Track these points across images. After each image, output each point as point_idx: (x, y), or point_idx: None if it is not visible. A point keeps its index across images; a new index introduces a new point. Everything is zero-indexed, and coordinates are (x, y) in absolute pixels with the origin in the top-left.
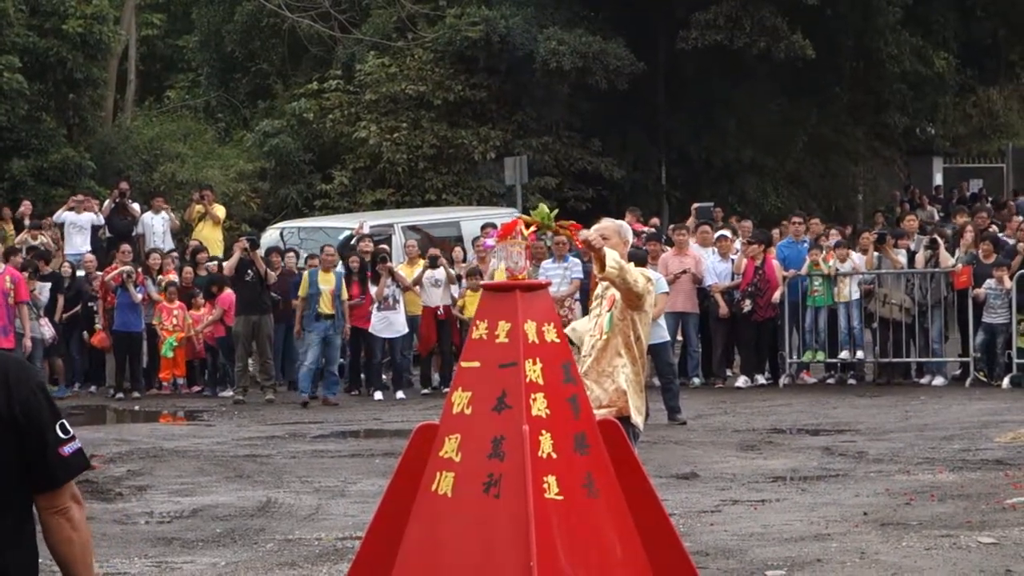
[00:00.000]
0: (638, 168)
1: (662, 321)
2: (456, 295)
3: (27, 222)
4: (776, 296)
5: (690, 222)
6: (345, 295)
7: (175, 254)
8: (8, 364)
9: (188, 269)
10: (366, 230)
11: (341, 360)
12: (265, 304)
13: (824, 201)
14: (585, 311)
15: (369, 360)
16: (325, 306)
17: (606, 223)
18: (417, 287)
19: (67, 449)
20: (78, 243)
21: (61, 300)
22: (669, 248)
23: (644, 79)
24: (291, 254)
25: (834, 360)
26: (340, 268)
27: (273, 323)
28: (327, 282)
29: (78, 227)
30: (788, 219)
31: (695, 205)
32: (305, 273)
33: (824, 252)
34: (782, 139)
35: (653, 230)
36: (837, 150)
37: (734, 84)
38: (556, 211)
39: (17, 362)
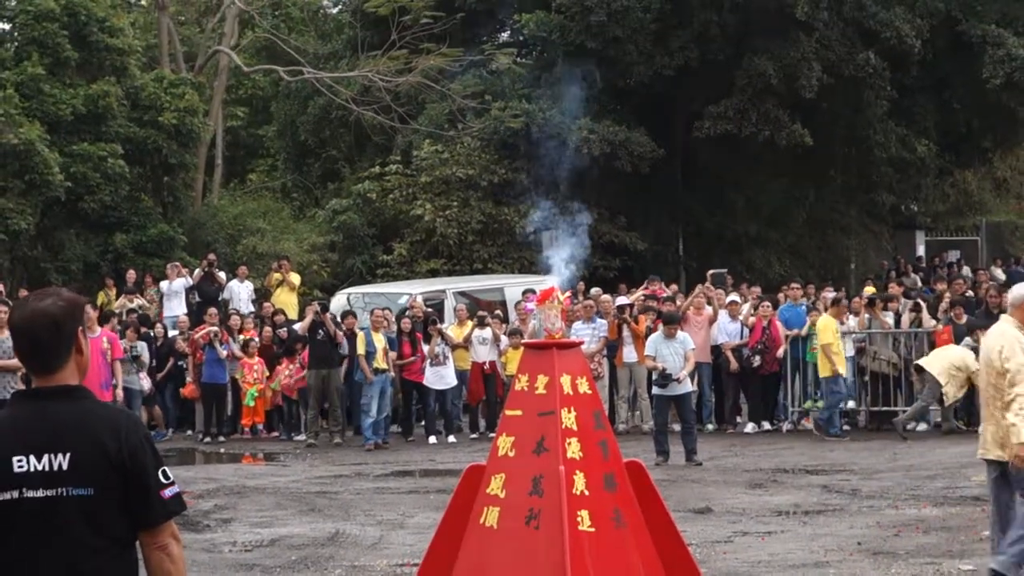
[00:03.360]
0: (659, 241)
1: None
2: (501, 352)
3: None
4: (780, 352)
5: (707, 286)
6: (392, 354)
7: (253, 314)
8: (120, 417)
9: (268, 329)
10: (419, 300)
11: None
12: (334, 360)
13: (821, 270)
14: (612, 365)
15: (424, 409)
16: (380, 362)
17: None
18: (467, 345)
19: (168, 492)
20: (175, 306)
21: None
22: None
23: (664, 163)
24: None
25: None
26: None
27: (342, 375)
28: (380, 341)
29: (174, 292)
30: (788, 285)
31: (710, 272)
32: (361, 333)
33: (822, 313)
34: (784, 215)
35: (670, 293)
36: (832, 225)
37: (743, 167)
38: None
39: (127, 415)
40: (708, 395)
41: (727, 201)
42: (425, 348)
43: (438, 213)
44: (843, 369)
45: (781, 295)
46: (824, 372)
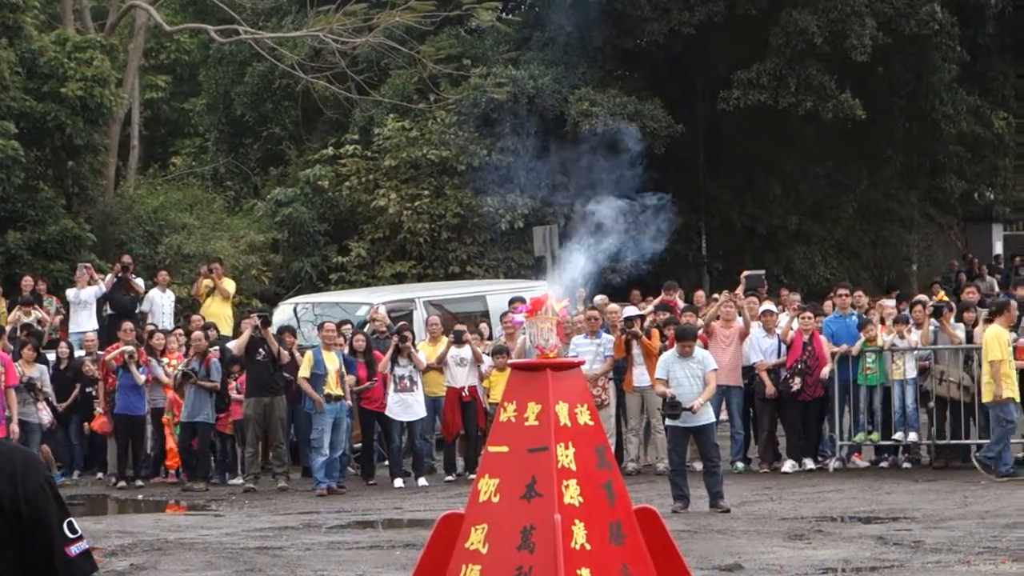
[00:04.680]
0: (677, 238)
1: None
2: (483, 375)
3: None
4: (825, 373)
5: (739, 292)
6: (347, 378)
7: (180, 332)
8: (16, 457)
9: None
10: (382, 311)
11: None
12: (277, 385)
13: (875, 271)
14: (619, 390)
15: (388, 445)
16: (332, 387)
17: None
18: (440, 366)
19: (74, 549)
20: (83, 321)
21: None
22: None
23: (683, 142)
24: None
25: (887, 442)
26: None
27: (286, 405)
28: (333, 362)
29: (83, 302)
30: (836, 291)
31: (745, 273)
32: (309, 352)
33: (878, 326)
34: (830, 205)
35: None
36: (889, 217)
37: (779, 146)
38: None
39: (25, 455)
40: (737, 426)
41: (760, 188)
42: (390, 370)
43: (405, 204)
44: (1015, 393)
45: (827, 303)
46: (990, 397)
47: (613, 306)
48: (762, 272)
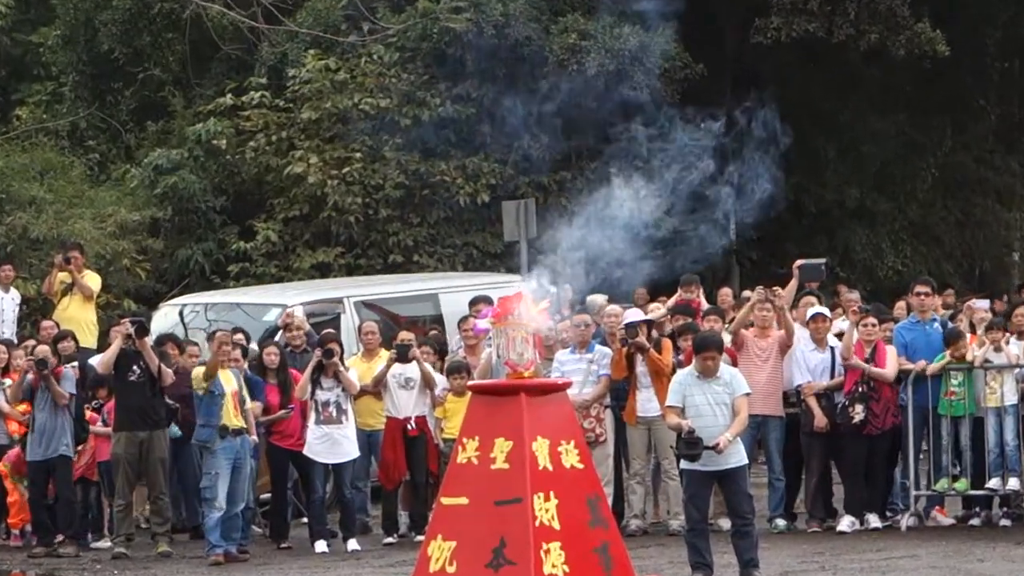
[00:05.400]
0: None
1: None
2: (436, 400)
3: None
4: (897, 399)
5: (783, 291)
6: (251, 404)
7: (30, 343)
8: None
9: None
10: (299, 314)
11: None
12: (157, 415)
13: (964, 261)
14: (618, 419)
15: (308, 496)
16: (230, 417)
17: None
18: (377, 389)
19: None
20: None
21: None
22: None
23: (705, 86)
24: (194, 346)
25: (979, 492)
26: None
27: (169, 442)
28: (231, 382)
29: None
30: (912, 289)
31: (800, 262)
32: (199, 369)
33: (967, 335)
34: (902, 173)
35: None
36: (981, 188)
37: (834, 93)
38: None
39: None
40: (777, 470)
41: (809, 150)
42: (311, 395)
43: (330, 172)
44: None
45: (899, 305)
46: None
47: (613, 308)
48: (822, 261)
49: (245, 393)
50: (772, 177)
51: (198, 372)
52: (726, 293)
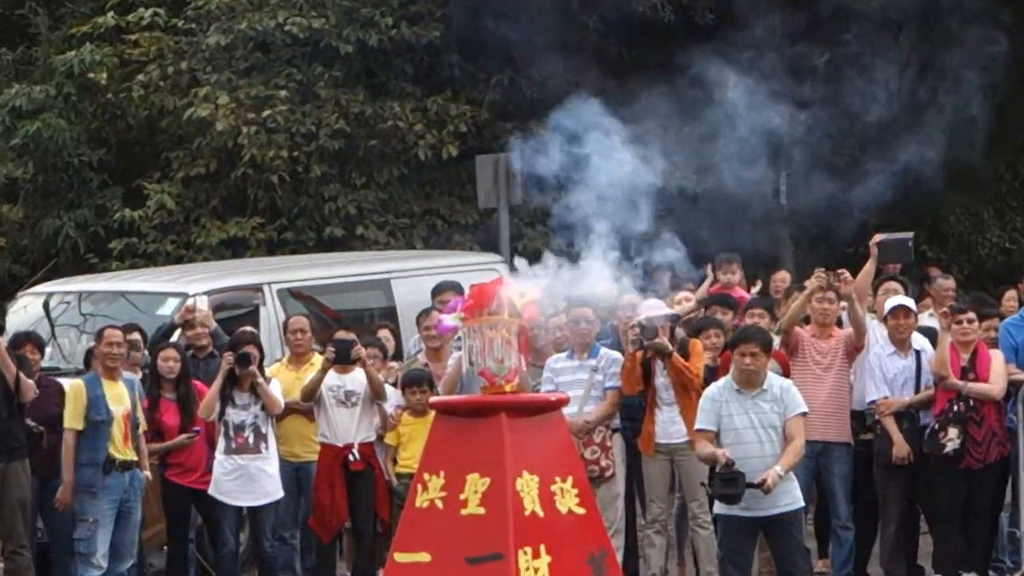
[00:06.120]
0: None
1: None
2: (389, 422)
3: None
4: (1004, 422)
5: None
6: (143, 425)
7: None
8: None
9: None
10: (203, 307)
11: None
12: (15, 441)
13: None
14: (631, 448)
15: (216, 548)
16: (119, 446)
17: None
18: (309, 406)
19: None
20: None
21: None
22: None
23: None
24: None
25: None
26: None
27: (30, 476)
28: (119, 399)
29: None
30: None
31: (879, 238)
32: (76, 383)
33: None
34: (1008, 121)
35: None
36: None
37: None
38: None
39: None
40: (843, 515)
41: (876, 84)
42: (220, 415)
43: (245, 116)
44: None
45: (1009, 295)
46: None
47: (628, 298)
48: (909, 236)
49: (140, 414)
50: None
51: (75, 391)
52: (781, 278)
